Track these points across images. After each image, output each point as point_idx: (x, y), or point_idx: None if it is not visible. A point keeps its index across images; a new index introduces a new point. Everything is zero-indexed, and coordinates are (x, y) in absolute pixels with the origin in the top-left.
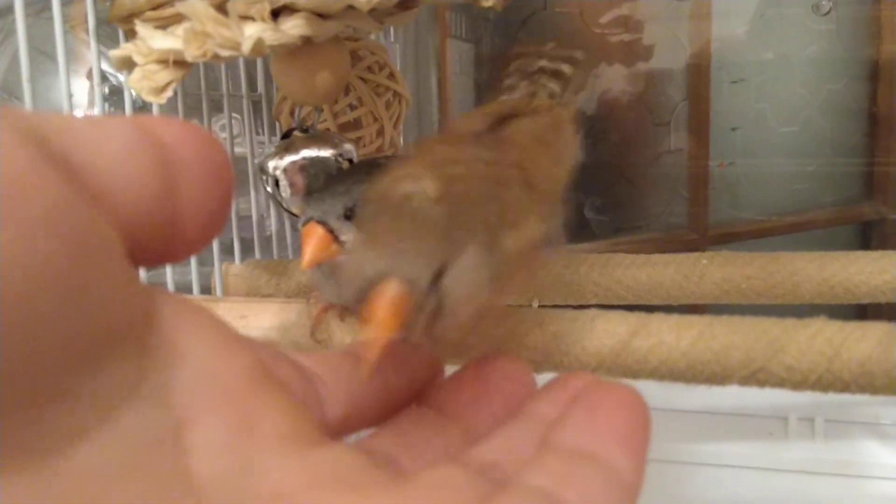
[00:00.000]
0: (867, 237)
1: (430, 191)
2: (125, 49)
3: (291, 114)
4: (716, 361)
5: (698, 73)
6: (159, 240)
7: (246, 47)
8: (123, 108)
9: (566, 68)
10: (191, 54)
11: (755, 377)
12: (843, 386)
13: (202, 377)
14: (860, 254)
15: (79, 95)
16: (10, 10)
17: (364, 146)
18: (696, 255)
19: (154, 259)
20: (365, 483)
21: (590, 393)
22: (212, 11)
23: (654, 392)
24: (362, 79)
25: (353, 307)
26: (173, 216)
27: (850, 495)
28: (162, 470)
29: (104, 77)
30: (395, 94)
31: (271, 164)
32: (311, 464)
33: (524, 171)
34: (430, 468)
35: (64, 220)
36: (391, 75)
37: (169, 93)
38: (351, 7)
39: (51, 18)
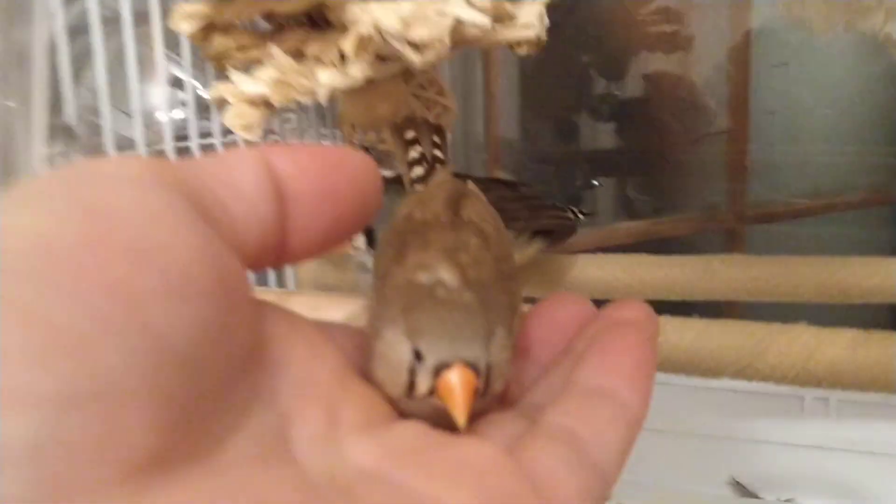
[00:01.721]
0: None
1: (451, 280)
2: (219, 90)
3: (353, 127)
4: (711, 358)
5: (738, 58)
6: (267, 258)
7: (321, 95)
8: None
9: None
10: (275, 100)
11: (743, 373)
12: (817, 382)
13: (299, 381)
14: (854, 259)
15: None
16: (108, 21)
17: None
18: (708, 257)
19: (256, 268)
20: (423, 449)
21: (604, 332)
22: (293, 64)
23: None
24: (415, 95)
25: (396, 391)
26: (283, 239)
27: (861, 470)
28: (276, 459)
29: (180, 84)
30: (444, 107)
31: None
32: (382, 441)
33: (506, 260)
34: (484, 418)
35: (217, 276)
36: (440, 91)
37: (259, 130)
38: None
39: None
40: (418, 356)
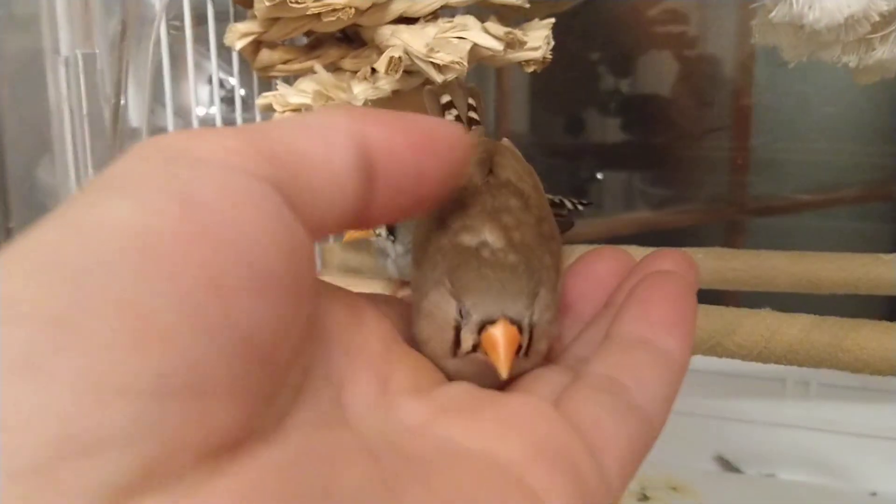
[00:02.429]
0: None
1: (496, 242)
2: (267, 98)
3: None
4: None
5: (743, 56)
6: (338, 229)
7: (356, 105)
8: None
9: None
10: (316, 109)
11: (714, 350)
12: (777, 360)
13: (350, 350)
14: (829, 255)
15: (202, 95)
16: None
17: None
18: (693, 249)
19: (324, 235)
20: (471, 405)
21: (644, 283)
22: (332, 78)
23: (699, 338)
24: None
25: (441, 348)
26: (361, 214)
27: (837, 448)
28: (333, 425)
29: (221, 84)
30: (475, 96)
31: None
32: (431, 401)
33: (546, 220)
34: (529, 375)
35: (295, 270)
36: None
37: None
38: None
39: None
40: (463, 314)
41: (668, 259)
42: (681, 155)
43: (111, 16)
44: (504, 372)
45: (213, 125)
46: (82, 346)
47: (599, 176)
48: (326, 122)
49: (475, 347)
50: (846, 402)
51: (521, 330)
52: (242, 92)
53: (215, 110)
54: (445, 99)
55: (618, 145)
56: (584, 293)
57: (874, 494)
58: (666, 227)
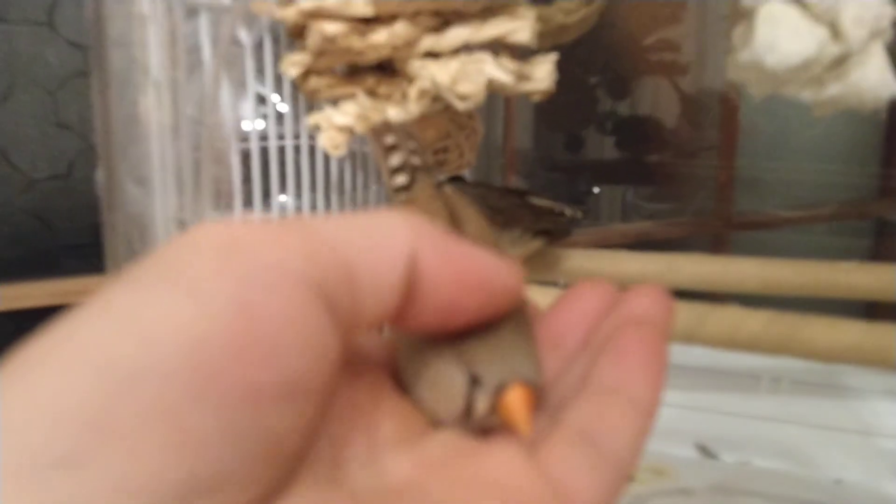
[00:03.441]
0: (877, 232)
1: None
2: (315, 118)
3: None
4: None
5: (730, 82)
6: (372, 327)
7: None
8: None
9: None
10: (357, 128)
11: (687, 340)
12: (741, 348)
13: (343, 407)
14: (791, 262)
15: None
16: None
17: (449, 165)
18: (673, 255)
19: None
20: (453, 461)
21: (619, 330)
22: (371, 102)
23: (675, 328)
24: (452, 120)
25: (450, 415)
26: (393, 319)
27: (807, 439)
28: (331, 484)
29: (262, 100)
30: (473, 129)
31: None
32: (416, 454)
33: None
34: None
35: (328, 377)
36: (471, 116)
37: (344, 149)
38: None
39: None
40: (476, 381)
41: (645, 299)
42: (671, 172)
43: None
44: (528, 433)
45: (266, 139)
46: (124, 450)
47: (596, 190)
48: (388, 234)
49: (490, 412)
50: (815, 398)
51: (534, 390)
52: (286, 109)
53: (264, 125)
54: (390, 141)
55: (613, 162)
56: (570, 330)
57: (839, 482)
58: (656, 238)
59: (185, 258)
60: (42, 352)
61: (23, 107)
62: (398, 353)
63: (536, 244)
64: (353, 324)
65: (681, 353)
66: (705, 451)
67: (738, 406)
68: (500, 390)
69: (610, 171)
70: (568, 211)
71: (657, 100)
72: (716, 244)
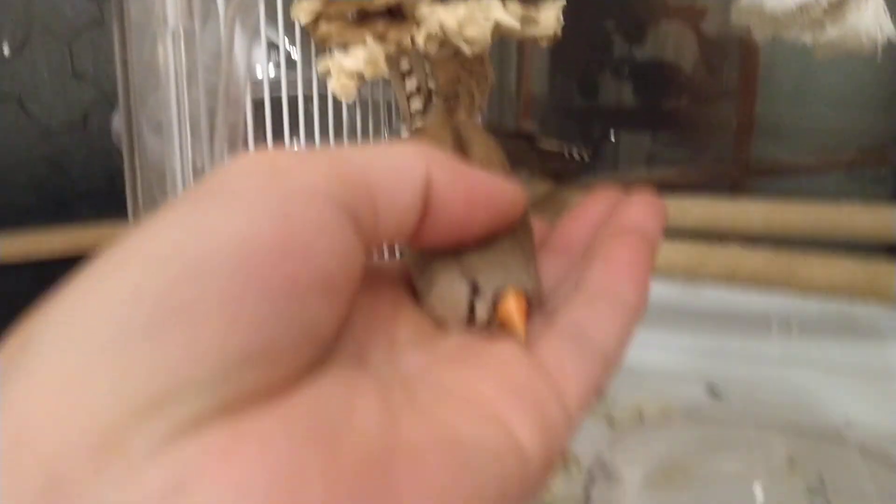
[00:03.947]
0: None
1: None
2: (325, 65)
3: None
4: (666, 267)
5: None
6: (390, 243)
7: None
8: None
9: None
10: (367, 74)
11: (690, 278)
12: (744, 285)
13: (367, 315)
14: (797, 205)
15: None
16: None
17: (461, 109)
18: (681, 198)
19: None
20: (461, 355)
21: (611, 237)
22: (380, 48)
23: (669, 291)
24: (462, 66)
25: (457, 323)
26: (410, 236)
27: (816, 381)
28: (355, 370)
29: (275, 47)
30: (484, 76)
31: (404, 133)
32: (429, 352)
33: None
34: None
35: (354, 279)
36: (482, 62)
37: (354, 95)
38: None
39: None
40: (476, 289)
41: (638, 207)
42: (689, 118)
43: None
44: (521, 337)
45: (279, 84)
46: (191, 323)
47: (612, 136)
48: (403, 161)
49: (490, 319)
50: (823, 341)
51: (528, 297)
52: (298, 57)
53: (276, 72)
54: (406, 66)
55: (630, 108)
56: (580, 235)
57: (848, 423)
58: (673, 184)
59: (234, 179)
60: (121, 249)
61: (38, 56)
62: (411, 269)
63: (544, 187)
64: (376, 237)
65: (691, 296)
66: (714, 393)
67: (749, 348)
68: (497, 297)
69: (626, 116)
70: (575, 153)
71: (675, 44)
72: (734, 191)
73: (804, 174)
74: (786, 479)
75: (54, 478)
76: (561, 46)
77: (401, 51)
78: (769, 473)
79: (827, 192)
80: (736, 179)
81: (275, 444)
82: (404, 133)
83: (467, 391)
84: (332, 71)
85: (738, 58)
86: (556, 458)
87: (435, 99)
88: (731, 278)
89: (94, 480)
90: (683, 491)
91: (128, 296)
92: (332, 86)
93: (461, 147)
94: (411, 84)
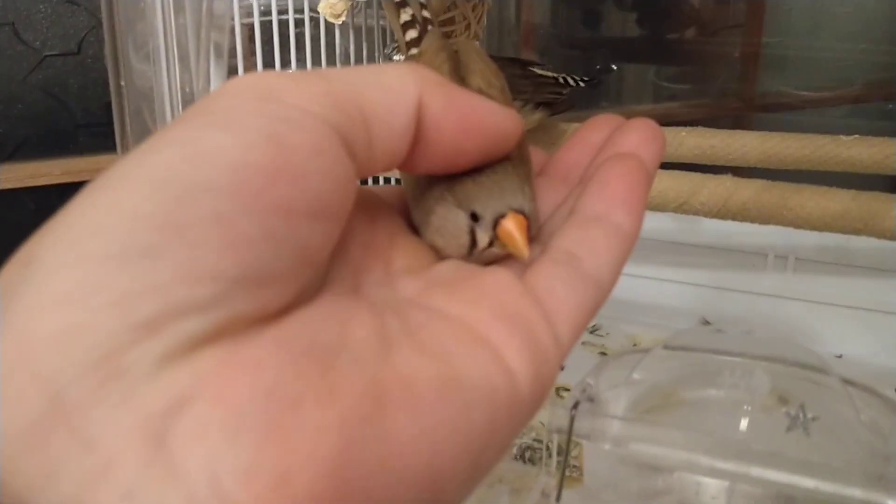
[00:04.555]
0: None
1: None
2: None
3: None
4: (658, 196)
5: None
6: (385, 169)
7: None
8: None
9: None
10: None
11: (681, 208)
12: (733, 217)
13: (363, 242)
14: (792, 135)
15: None
16: None
17: (456, 37)
18: (677, 128)
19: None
20: (454, 281)
21: (607, 163)
22: None
23: (667, 226)
24: None
25: (458, 252)
26: (403, 161)
27: (809, 315)
28: (352, 296)
29: None
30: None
31: (396, 58)
32: (423, 278)
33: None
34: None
35: (346, 202)
36: None
37: (344, 17)
38: None
39: None
40: (475, 217)
41: (636, 133)
42: (694, 50)
43: None
44: (525, 255)
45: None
46: (188, 244)
47: (614, 67)
48: (396, 83)
49: (491, 243)
50: (818, 276)
51: (527, 217)
52: None
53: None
54: None
55: (633, 39)
56: (578, 162)
57: (840, 356)
58: (676, 119)
59: (227, 102)
60: (119, 173)
61: None
62: (408, 198)
63: (538, 116)
64: (369, 161)
65: (688, 232)
66: (709, 326)
67: (744, 283)
68: (496, 222)
69: (630, 48)
70: (570, 80)
71: None
72: (738, 125)
73: (810, 108)
74: (770, 408)
75: (55, 397)
76: None
77: None
78: (753, 402)
79: (832, 127)
80: (740, 114)
81: (269, 368)
82: (398, 58)
83: (460, 316)
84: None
85: None
86: (547, 385)
87: (430, 26)
88: (722, 209)
89: (94, 400)
90: (666, 418)
91: (126, 217)
92: (322, 9)
93: (459, 73)
94: (406, 14)
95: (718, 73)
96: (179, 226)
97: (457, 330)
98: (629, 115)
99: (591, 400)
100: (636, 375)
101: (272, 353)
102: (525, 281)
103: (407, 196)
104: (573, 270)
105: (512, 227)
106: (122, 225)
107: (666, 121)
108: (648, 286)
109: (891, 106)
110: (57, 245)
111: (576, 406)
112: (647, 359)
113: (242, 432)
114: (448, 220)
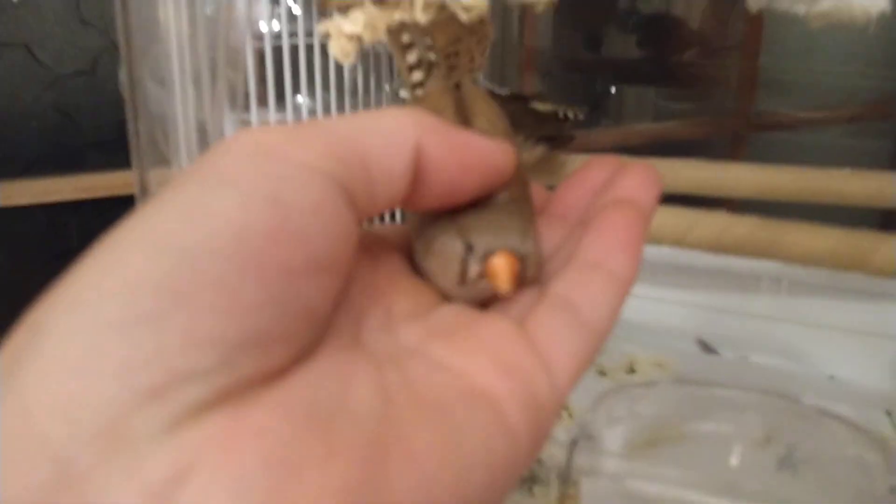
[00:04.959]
0: None
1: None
2: (326, 26)
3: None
4: (654, 232)
5: None
6: (384, 210)
7: None
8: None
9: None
10: (366, 38)
11: (677, 244)
12: (728, 252)
13: (364, 287)
14: (787, 168)
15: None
16: None
17: (460, 69)
18: (671, 160)
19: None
20: (454, 329)
21: (606, 209)
22: (379, 11)
23: (663, 252)
24: (460, 24)
25: (449, 280)
26: (403, 202)
27: (803, 337)
28: (351, 346)
29: (276, 1)
30: (485, 34)
31: (402, 93)
32: (424, 324)
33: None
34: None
35: (349, 254)
36: (483, 21)
37: (353, 57)
38: None
39: None
40: (469, 248)
41: (634, 178)
42: (693, 71)
43: None
44: (505, 293)
45: (281, 39)
46: (190, 309)
47: (613, 90)
48: (395, 128)
49: (481, 276)
50: (812, 298)
51: (518, 258)
52: (299, 10)
53: (278, 26)
54: (406, 39)
55: (634, 61)
56: (577, 202)
57: (832, 378)
58: (675, 138)
59: (227, 161)
60: (121, 236)
61: (46, 3)
62: (412, 230)
63: (540, 150)
64: (370, 209)
65: (685, 254)
66: (705, 347)
67: (739, 304)
68: (487, 256)
69: (631, 70)
70: (570, 114)
71: None
72: (735, 144)
73: (806, 128)
74: (762, 444)
75: (62, 465)
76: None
77: (401, 24)
78: (745, 439)
79: (829, 146)
80: (738, 133)
81: (272, 433)
82: (405, 94)
83: (460, 368)
84: (332, 34)
85: (741, 11)
86: (544, 435)
87: (435, 69)
88: (717, 245)
89: (101, 469)
90: (664, 453)
91: (129, 283)
92: (332, 49)
93: (463, 115)
94: (412, 57)
95: (717, 93)
96: (181, 292)
97: (457, 384)
98: (628, 133)
99: (589, 437)
100: (634, 409)
101: (274, 419)
102: (524, 328)
103: (410, 225)
104: (571, 318)
105: (500, 264)
106: (125, 291)
107: (664, 140)
108: (646, 306)
109: (887, 125)
110: (63, 312)
111: (574, 443)
112: (644, 392)
113: (246, 500)
114: (446, 247)
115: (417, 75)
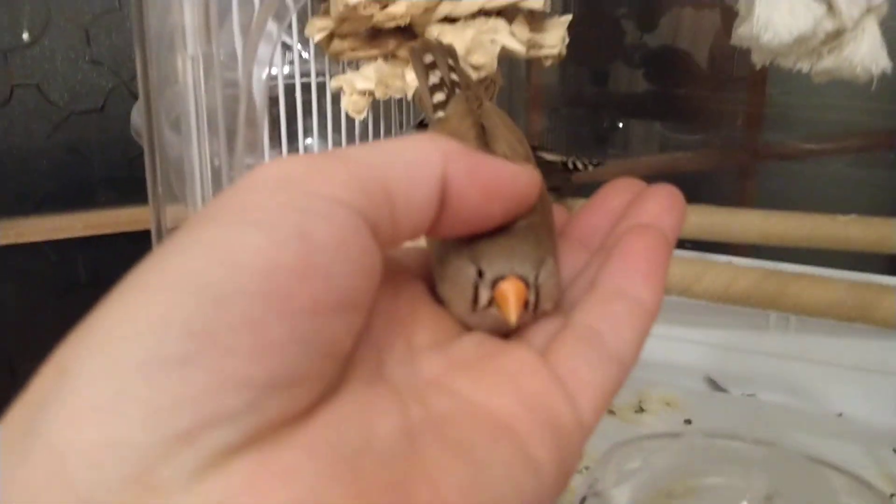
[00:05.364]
0: None
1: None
2: (338, 81)
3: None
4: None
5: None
6: (410, 239)
7: (408, 90)
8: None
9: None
10: (378, 94)
11: (684, 293)
12: (734, 302)
13: (386, 318)
14: (789, 213)
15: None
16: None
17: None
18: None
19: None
20: (477, 360)
21: (628, 234)
22: (390, 69)
23: (672, 283)
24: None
25: (462, 305)
26: (429, 230)
27: (810, 375)
28: (375, 381)
29: (289, 48)
30: (492, 79)
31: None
32: (446, 355)
33: (542, 195)
34: (531, 324)
35: (373, 290)
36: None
37: (365, 112)
38: None
39: None
40: (481, 274)
41: (657, 201)
42: (700, 103)
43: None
44: (512, 320)
45: (294, 85)
46: (219, 352)
47: (620, 125)
48: (420, 157)
49: (490, 302)
50: (820, 335)
51: (528, 286)
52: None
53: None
54: (429, 59)
55: (641, 94)
56: (598, 226)
57: (840, 415)
58: (683, 169)
59: (251, 196)
60: (145, 275)
61: (57, 43)
62: (431, 254)
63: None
64: (393, 240)
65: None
66: (714, 385)
67: (747, 342)
68: (496, 282)
69: (637, 104)
70: (580, 164)
71: (686, 31)
72: (742, 175)
73: (813, 158)
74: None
75: None
76: (572, 35)
77: (424, 44)
78: (751, 498)
79: (836, 177)
80: (745, 165)
81: (299, 477)
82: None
83: (483, 404)
84: (345, 89)
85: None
86: (571, 470)
87: (457, 90)
88: (723, 296)
89: None
90: None
91: (156, 324)
92: (344, 103)
93: (484, 138)
94: (434, 77)
95: (723, 125)
96: (210, 333)
97: (480, 419)
98: (636, 165)
99: (597, 495)
100: (643, 463)
101: (302, 461)
102: (548, 358)
103: (430, 249)
104: (596, 348)
105: (507, 290)
106: (152, 333)
107: (671, 171)
108: (655, 343)
109: (893, 156)
110: (89, 354)
111: (583, 501)
112: (652, 444)
113: None
114: (460, 272)
115: (439, 96)
